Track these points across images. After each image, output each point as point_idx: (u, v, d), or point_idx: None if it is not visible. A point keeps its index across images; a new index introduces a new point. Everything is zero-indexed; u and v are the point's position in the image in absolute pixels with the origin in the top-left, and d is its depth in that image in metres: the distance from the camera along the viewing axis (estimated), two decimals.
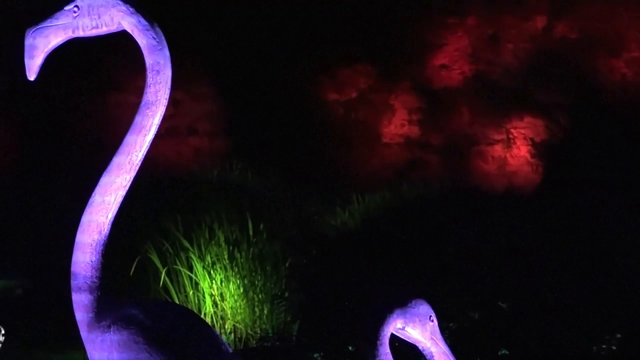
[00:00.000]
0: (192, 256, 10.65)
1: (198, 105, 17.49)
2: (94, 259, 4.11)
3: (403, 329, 4.68)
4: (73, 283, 4.14)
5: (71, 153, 16.41)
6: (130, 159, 4.14)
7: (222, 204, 11.82)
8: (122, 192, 4.15)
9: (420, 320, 4.68)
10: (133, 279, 10.37)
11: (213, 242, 10.83)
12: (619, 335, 9.12)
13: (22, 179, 16.41)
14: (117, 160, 4.15)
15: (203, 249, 10.75)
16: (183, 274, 10.60)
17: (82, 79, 16.92)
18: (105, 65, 16.98)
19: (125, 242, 10.60)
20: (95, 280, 4.11)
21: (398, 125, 18.33)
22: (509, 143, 18.25)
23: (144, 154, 4.16)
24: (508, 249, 11.53)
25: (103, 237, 4.13)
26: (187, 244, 10.73)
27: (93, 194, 4.16)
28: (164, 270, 10.50)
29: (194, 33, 16.74)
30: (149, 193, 11.96)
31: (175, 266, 10.62)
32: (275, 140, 17.24)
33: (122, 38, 4.38)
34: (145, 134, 4.14)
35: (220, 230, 10.98)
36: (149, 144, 4.16)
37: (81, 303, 4.12)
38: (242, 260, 10.63)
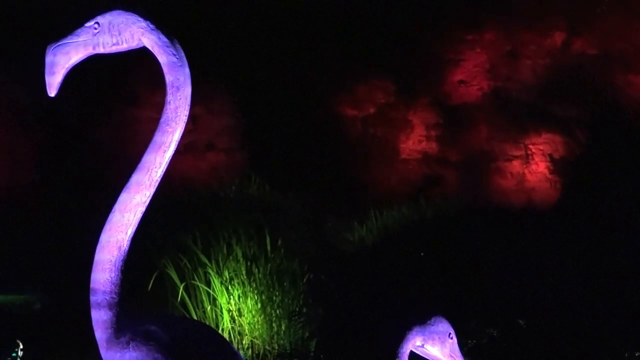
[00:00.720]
0: (210, 272, 10.62)
1: (216, 121, 17.53)
2: (113, 275, 4.11)
3: (422, 346, 4.66)
4: (92, 299, 4.13)
5: (90, 168, 16.46)
6: (150, 175, 4.13)
7: (240, 220, 11.79)
8: (141, 209, 4.14)
9: (439, 338, 4.66)
10: (151, 294, 10.36)
11: (231, 257, 10.81)
12: (637, 354, 9.07)
13: (41, 194, 16.48)
14: (136, 177, 4.15)
15: (221, 265, 10.72)
16: (201, 289, 10.57)
17: (100, 94, 16.98)
18: (124, 80, 17.03)
19: (143, 258, 10.59)
20: (115, 296, 4.10)
21: (416, 141, 18.32)
22: (527, 159, 18.21)
23: (164, 170, 4.15)
24: (527, 265, 11.48)
25: (122, 254, 4.12)
26: (205, 260, 10.71)
27: (112, 211, 4.16)
28: (182, 286, 10.48)
29: (212, 49, 16.78)
30: (167, 208, 11.95)
31: (193, 281, 10.60)
32: (293, 156, 17.24)
33: (141, 54, 4.38)
34: (165, 151, 4.14)
35: (238, 245, 10.96)
36: (168, 161, 4.16)
37: (100, 320, 4.11)
38: (259, 275, 10.60)
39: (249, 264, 10.72)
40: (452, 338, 4.70)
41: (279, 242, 11.17)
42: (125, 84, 17.10)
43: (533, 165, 18.16)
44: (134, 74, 16.67)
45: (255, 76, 17.81)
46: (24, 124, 16.80)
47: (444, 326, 4.69)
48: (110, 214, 4.16)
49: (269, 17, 18.01)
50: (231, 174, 16.14)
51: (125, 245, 4.12)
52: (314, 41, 18.21)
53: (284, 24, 18.06)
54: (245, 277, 10.62)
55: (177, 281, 10.54)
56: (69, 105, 15.99)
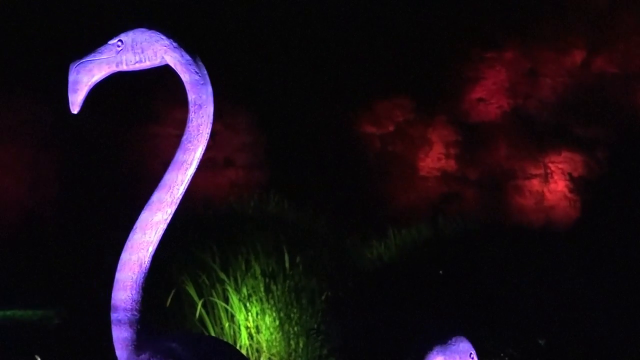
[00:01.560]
0: (229, 288, 10.62)
1: (235, 137, 17.57)
2: (134, 293, 4.11)
3: None
4: (113, 317, 4.13)
5: (110, 185, 16.51)
6: (172, 193, 4.13)
7: (258, 236, 11.79)
8: (162, 227, 4.15)
9: (460, 358, 4.63)
10: (169, 310, 10.37)
11: (249, 274, 10.81)
12: None
13: (61, 210, 16.54)
14: (158, 195, 4.15)
15: (239, 281, 10.72)
16: (219, 306, 10.57)
17: (120, 111, 17.05)
18: (144, 97, 17.10)
19: (161, 274, 10.60)
20: (135, 313, 4.11)
21: (435, 158, 18.30)
22: (546, 178, 18.16)
23: (185, 188, 4.16)
24: (546, 284, 11.43)
25: (143, 272, 4.13)
26: (223, 276, 10.71)
27: (134, 229, 4.16)
28: (200, 302, 10.48)
29: (231, 65, 16.83)
30: (185, 224, 11.97)
31: (211, 298, 10.60)
32: (312, 173, 17.25)
33: (161, 70, 4.39)
34: (187, 169, 4.15)
35: (256, 262, 10.95)
36: (190, 179, 4.16)
37: (121, 337, 4.11)
38: (278, 292, 10.58)
39: (267, 280, 10.71)
40: (473, 358, 4.67)
41: (298, 259, 11.17)
42: (146, 100, 17.16)
43: (552, 184, 18.10)
44: (154, 90, 16.74)
45: (275, 93, 17.86)
46: (45, 141, 16.88)
47: (465, 346, 4.66)
48: (132, 231, 4.16)
49: (289, 35, 18.06)
50: (250, 191, 16.16)
51: (146, 263, 4.13)
52: (333, 58, 18.24)
53: (304, 41, 18.10)
54: (263, 294, 10.61)
55: (196, 298, 10.54)
56: (90, 122, 16.07)
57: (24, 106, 16.73)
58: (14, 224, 16.46)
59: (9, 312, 13.05)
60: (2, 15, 16.65)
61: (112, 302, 4.14)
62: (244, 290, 10.65)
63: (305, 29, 18.10)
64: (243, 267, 10.90)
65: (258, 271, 10.80)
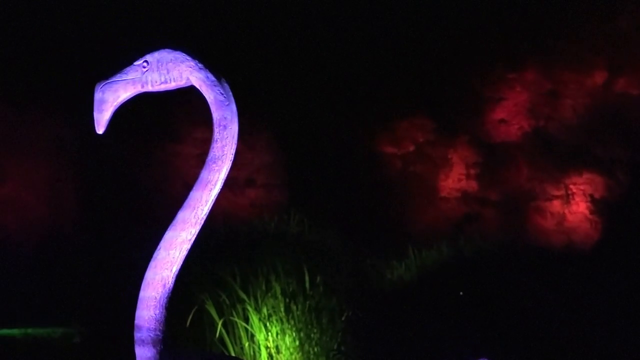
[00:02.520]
0: (249, 308, 10.64)
1: (256, 157, 17.59)
2: (157, 312, 4.12)
3: None
4: (136, 335, 4.15)
5: (131, 204, 16.57)
6: (196, 213, 4.16)
7: (279, 256, 11.81)
8: (186, 247, 4.17)
9: None
10: (189, 329, 10.38)
11: (270, 294, 10.82)
12: None
13: (83, 228, 16.59)
14: (182, 214, 4.17)
15: (259, 301, 10.74)
16: (239, 325, 10.58)
17: (142, 130, 17.10)
18: (165, 116, 17.16)
19: (182, 293, 10.61)
20: (159, 333, 4.12)
21: (455, 179, 18.27)
22: (567, 199, 18.09)
23: (210, 208, 4.18)
24: (567, 306, 11.40)
25: (167, 291, 4.15)
26: (243, 296, 10.73)
27: (158, 249, 4.18)
28: (221, 322, 10.50)
29: (252, 84, 16.87)
30: (206, 244, 11.99)
31: (232, 317, 10.61)
32: (333, 193, 17.25)
33: (183, 89, 4.42)
34: (211, 189, 4.17)
35: (277, 282, 10.97)
36: (214, 199, 4.18)
37: (144, 356, 4.12)
38: (298, 313, 10.59)
39: (287, 300, 10.72)
40: None
41: (318, 279, 11.17)
42: (167, 120, 17.22)
43: (573, 206, 18.03)
44: (175, 109, 16.80)
45: (296, 112, 17.89)
46: (66, 158, 16.95)
47: None
48: (156, 251, 4.18)
49: (310, 54, 18.11)
50: (270, 210, 16.17)
51: (170, 283, 4.14)
52: (354, 78, 18.27)
53: (325, 61, 18.14)
54: (283, 313, 10.62)
55: (216, 317, 10.56)
56: (112, 140, 16.13)
57: (46, 123, 16.82)
58: (34, 241, 16.52)
59: (29, 330, 13.09)
60: (28, 33, 16.77)
61: (136, 321, 4.16)
62: (264, 310, 10.67)
63: (326, 49, 18.15)
64: (263, 287, 10.92)
65: (278, 291, 10.81)
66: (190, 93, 4.49)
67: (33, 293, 14.43)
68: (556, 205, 18.12)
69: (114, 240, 15.47)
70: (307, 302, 10.76)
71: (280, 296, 10.74)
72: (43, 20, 16.85)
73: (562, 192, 18.18)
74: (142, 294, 4.16)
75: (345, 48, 18.20)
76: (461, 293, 12.02)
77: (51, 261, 15.73)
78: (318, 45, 18.15)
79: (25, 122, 16.74)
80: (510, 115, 18.56)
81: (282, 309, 10.63)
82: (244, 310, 10.67)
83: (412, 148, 18.44)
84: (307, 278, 11.03)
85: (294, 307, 10.62)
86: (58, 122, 16.74)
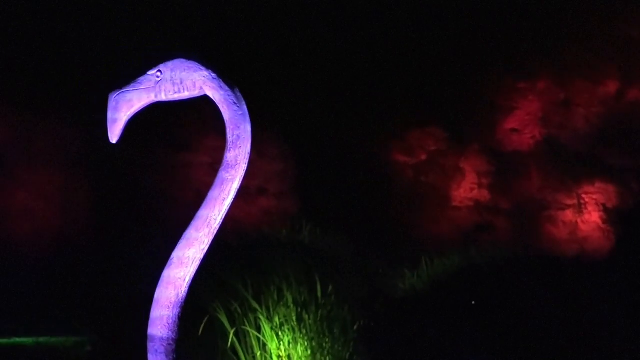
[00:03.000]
0: (261, 317, 10.60)
1: (268, 166, 17.59)
2: (171, 322, 4.12)
3: None
4: (149, 346, 4.15)
5: (143, 212, 16.57)
6: (209, 223, 4.16)
7: (291, 265, 11.78)
8: (199, 257, 4.17)
9: None
10: (201, 338, 10.35)
11: (281, 303, 10.78)
12: None
13: (94, 237, 16.60)
14: (195, 225, 4.17)
15: (271, 310, 10.70)
16: (251, 334, 10.55)
17: (154, 138, 17.12)
18: (176, 125, 17.17)
19: (193, 302, 10.59)
20: (172, 343, 4.12)
21: (467, 188, 18.25)
22: (580, 208, 18.05)
23: (223, 217, 4.18)
24: (579, 315, 11.36)
25: (180, 302, 4.15)
26: (255, 305, 10.69)
27: (170, 260, 4.20)
28: (232, 331, 10.47)
29: (264, 93, 16.88)
30: (217, 252, 11.96)
31: (244, 327, 10.58)
32: (345, 201, 17.23)
33: (195, 98, 4.42)
34: (224, 199, 4.17)
35: (288, 291, 10.93)
36: (227, 209, 4.18)
37: None
38: (310, 322, 10.55)
39: (299, 309, 10.68)
40: None
41: (330, 288, 11.13)
42: (178, 128, 17.23)
43: (586, 215, 17.99)
44: (186, 118, 16.82)
45: (307, 121, 17.88)
46: (77, 166, 16.98)
47: None
48: (168, 262, 4.19)
49: (321, 64, 18.11)
50: (282, 219, 16.16)
51: (183, 293, 4.15)
52: (365, 87, 18.26)
53: (336, 70, 18.14)
54: (295, 323, 10.59)
55: (228, 326, 10.53)
56: (123, 149, 16.15)
57: (57, 131, 16.86)
58: (46, 250, 16.54)
59: (42, 339, 13.09)
60: (42, 43, 16.82)
61: (149, 331, 4.16)
62: (276, 319, 10.63)
63: (339, 57, 18.15)
64: (275, 296, 10.88)
65: (290, 300, 10.78)
66: (201, 101, 4.49)
67: (44, 301, 14.44)
68: (568, 214, 18.08)
69: (125, 249, 15.47)
70: (319, 311, 10.72)
71: (292, 305, 10.71)
72: (57, 31, 16.90)
73: (574, 201, 18.14)
74: (154, 312, 4.16)
75: (357, 57, 18.21)
76: (473, 302, 11.98)
77: (62, 270, 15.75)
78: (331, 53, 18.16)
79: (38, 131, 16.78)
80: (522, 124, 18.54)
81: (294, 318, 10.60)
82: (256, 319, 10.64)
83: (424, 157, 18.43)
84: (319, 287, 10.99)
85: (306, 316, 10.59)
86: (70, 130, 16.77)
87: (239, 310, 10.74)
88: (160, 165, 17.31)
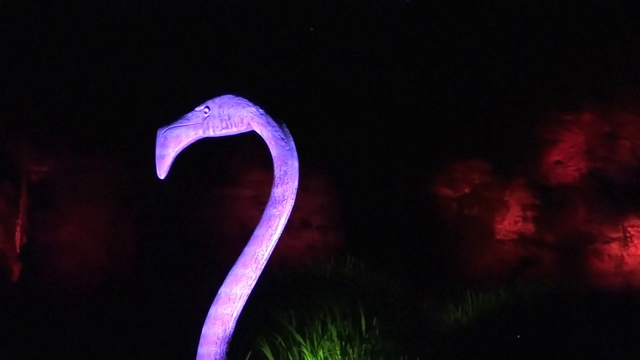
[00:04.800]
0: (305, 351, 10.58)
1: (311, 199, 17.60)
2: (218, 350, 4.13)
3: None
4: None
5: (187, 245, 16.64)
6: (257, 258, 4.17)
7: (335, 299, 11.77)
8: (247, 291, 4.19)
9: None
10: None
11: (325, 336, 10.76)
12: None
13: (139, 271, 16.69)
14: (243, 260, 4.19)
15: (315, 344, 10.68)
16: None
17: (197, 172, 17.21)
18: (220, 159, 17.25)
19: (237, 335, 10.59)
20: None
21: (512, 221, 18.14)
22: (625, 241, 17.88)
23: (270, 253, 4.19)
24: (626, 350, 11.25)
25: (228, 335, 4.16)
26: (299, 338, 10.68)
27: (218, 295, 4.21)
28: None
29: (307, 127, 16.92)
30: (261, 286, 11.97)
31: None
32: (389, 235, 17.20)
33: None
34: (272, 234, 4.18)
35: (332, 325, 10.92)
36: (275, 244, 4.19)
37: None
38: (354, 356, 10.52)
39: (343, 343, 10.65)
40: None
41: (374, 322, 11.10)
42: (222, 162, 17.32)
43: (632, 248, 17.81)
44: (230, 152, 16.91)
45: (351, 154, 17.91)
46: (124, 201, 17.10)
47: None
48: (216, 297, 4.20)
49: (366, 98, 18.16)
50: (326, 253, 16.17)
51: (230, 329, 4.16)
52: (408, 121, 18.27)
53: (380, 104, 18.18)
54: (340, 357, 10.55)
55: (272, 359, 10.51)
56: (168, 184, 16.23)
57: (103, 167, 17.00)
58: (92, 286, 16.65)
59: None
60: (88, 79, 17.03)
61: None
62: (320, 353, 10.60)
63: (381, 92, 18.19)
64: (319, 330, 10.86)
65: (334, 334, 10.75)
66: (245, 135, 4.51)
67: (89, 336, 14.50)
68: (614, 247, 17.91)
69: (172, 284, 15.54)
70: (364, 346, 10.69)
71: (336, 339, 10.68)
72: (104, 67, 17.10)
73: (619, 235, 17.98)
74: (200, 349, 4.17)
75: (401, 91, 18.23)
76: (519, 336, 11.89)
77: (107, 305, 15.83)
78: (375, 87, 18.20)
79: (86, 166, 16.95)
80: (566, 157, 18.43)
81: (339, 352, 10.57)
82: (300, 353, 10.62)
83: (467, 190, 18.36)
84: (363, 321, 10.97)
85: (350, 350, 10.55)
86: (117, 166, 16.92)
87: (283, 344, 10.73)
88: (205, 200, 17.38)
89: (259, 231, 4.15)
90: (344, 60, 18.15)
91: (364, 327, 10.95)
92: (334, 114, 17.91)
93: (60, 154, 17.01)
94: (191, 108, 4.43)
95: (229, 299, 4.12)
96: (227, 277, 4.17)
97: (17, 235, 16.72)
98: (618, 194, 18.18)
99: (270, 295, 12.17)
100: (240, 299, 4.14)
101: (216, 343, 4.12)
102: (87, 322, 15.08)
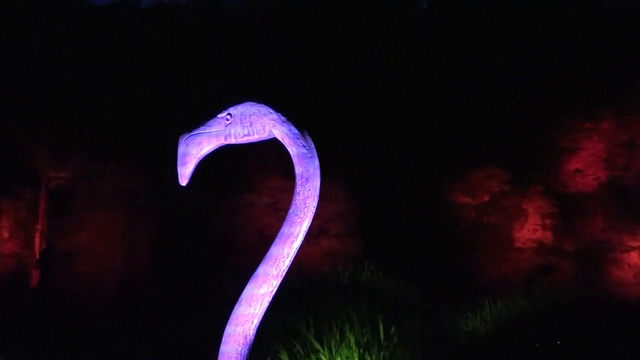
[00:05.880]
0: (323, 358, 10.57)
1: (329, 207, 17.56)
2: (240, 349, 4.12)
3: None
4: None
5: (204, 252, 16.66)
6: (278, 266, 4.17)
7: (353, 306, 11.75)
8: (268, 299, 4.19)
9: None
10: None
11: (344, 344, 10.74)
12: None
13: (155, 277, 16.73)
14: (264, 267, 4.18)
15: (334, 351, 10.66)
16: None
17: (215, 179, 17.23)
18: (239, 166, 17.26)
19: (255, 342, 10.58)
20: None
21: (530, 230, 18.09)
22: None
23: (292, 258, 4.19)
24: None
25: (248, 344, 4.16)
26: (317, 346, 10.67)
27: (239, 302, 4.20)
28: None
29: (328, 135, 16.92)
30: (279, 293, 11.96)
31: None
32: (407, 243, 17.17)
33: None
34: (293, 241, 4.18)
35: (351, 332, 10.89)
36: (296, 251, 4.19)
37: None
38: None
39: (361, 351, 10.63)
40: None
41: (392, 329, 11.07)
42: (241, 169, 17.32)
43: None
44: (248, 159, 16.91)
45: (369, 162, 17.89)
46: (140, 208, 17.13)
47: None
48: (237, 304, 4.20)
49: (385, 106, 18.15)
50: (344, 260, 16.14)
51: (251, 335, 4.16)
52: (428, 129, 18.25)
53: (398, 112, 18.17)
54: None
55: None
56: (185, 190, 16.24)
57: (120, 174, 17.05)
58: (109, 292, 16.69)
59: None
60: (105, 88, 17.09)
61: None
62: None
63: (401, 98, 18.18)
64: (337, 337, 10.84)
65: (352, 341, 10.73)
66: (263, 142, 4.52)
67: (106, 341, 14.52)
68: (634, 256, 17.84)
69: (188, 291, 15.56)
70: (382, 353, 10.66)
71: (354, 346, 10.65)
72: (125, 75, 17.16)
73: (639, 243, 17.91)
74: (223, 347, 4.17)
75: (421, 99, 18.22)
76: (537, 344, 11.85)
77: (124, 312, 15.86)
78: (395, 96, 18.19)
79: (103, 173, 17.01)
80: (586, 166, 18.37)
81: None
82: None
83: (486, 198, 18.31)
84: (381, 328, 10.94)
85: (368, 358, 10.53)
86: (134, 173, 16.97)
87: (301, 351, 10.73)
88: (223, 206, 17.40)
89: (280, 237, 4.16)
90: (365, 69, 18.17)
91: (382, 335, 10.92)
92: (354, 122, 17.91)
93: (79, 161, 17.08)
94: (212, 115, 4.43)
95: (250, 303, 4.12)
96: (247, 287, 4.17)
97: (37, 240, 16.79)
98: (637, 202, 18.11)
99: (288, 302, 12.16)
100: (261, 303, 4.14)
101: (239, 342, 4.12)
102: (103, 326, 15.12)
